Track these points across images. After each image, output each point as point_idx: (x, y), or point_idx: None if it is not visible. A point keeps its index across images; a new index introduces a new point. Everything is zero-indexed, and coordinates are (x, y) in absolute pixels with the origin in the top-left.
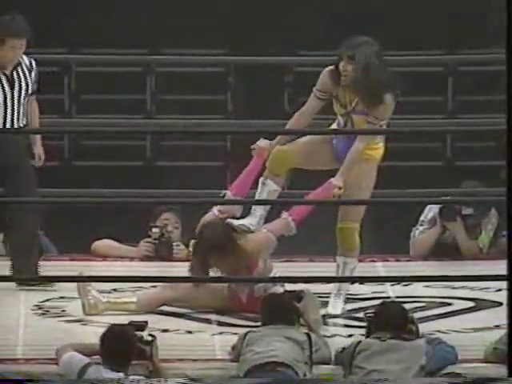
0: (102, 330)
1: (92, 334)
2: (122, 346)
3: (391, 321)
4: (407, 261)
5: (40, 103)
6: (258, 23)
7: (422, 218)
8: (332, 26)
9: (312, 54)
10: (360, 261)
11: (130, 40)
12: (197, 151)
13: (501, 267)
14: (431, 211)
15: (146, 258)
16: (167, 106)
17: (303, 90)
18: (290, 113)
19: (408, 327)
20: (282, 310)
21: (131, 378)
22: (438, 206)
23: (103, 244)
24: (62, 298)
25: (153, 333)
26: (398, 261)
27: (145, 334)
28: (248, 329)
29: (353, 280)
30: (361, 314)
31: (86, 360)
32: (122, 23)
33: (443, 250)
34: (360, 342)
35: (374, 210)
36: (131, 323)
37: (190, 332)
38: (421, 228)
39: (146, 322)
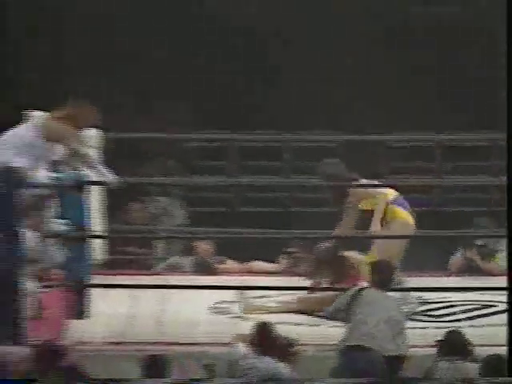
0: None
1: (249, 328)
2: (270, 339)
3: (455, 346)
4: (446, 276)
5: None
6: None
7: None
8: None
9: None
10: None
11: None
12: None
13: None
14: None
15: (285, 273)
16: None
17: None
18: None
19: (468, 349)
20: None
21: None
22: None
23: (256, 264)
24: (226, 301)
25: (289, 326)
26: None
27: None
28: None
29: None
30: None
31: (245, 351)
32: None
33: (472, 269)
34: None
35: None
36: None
37: (315, 325)
38: (457, 253)
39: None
